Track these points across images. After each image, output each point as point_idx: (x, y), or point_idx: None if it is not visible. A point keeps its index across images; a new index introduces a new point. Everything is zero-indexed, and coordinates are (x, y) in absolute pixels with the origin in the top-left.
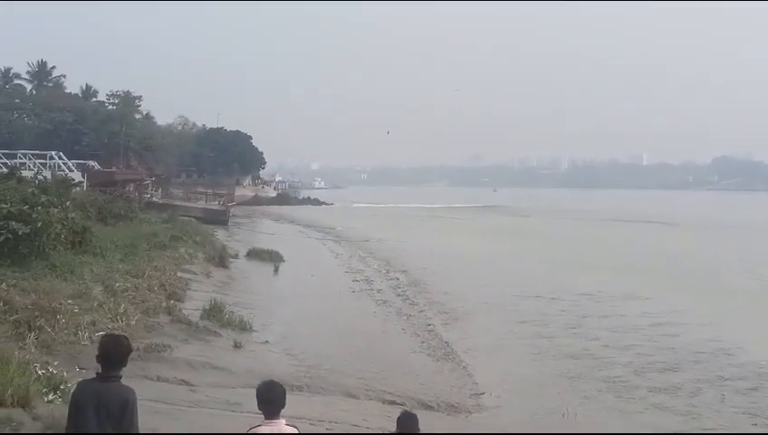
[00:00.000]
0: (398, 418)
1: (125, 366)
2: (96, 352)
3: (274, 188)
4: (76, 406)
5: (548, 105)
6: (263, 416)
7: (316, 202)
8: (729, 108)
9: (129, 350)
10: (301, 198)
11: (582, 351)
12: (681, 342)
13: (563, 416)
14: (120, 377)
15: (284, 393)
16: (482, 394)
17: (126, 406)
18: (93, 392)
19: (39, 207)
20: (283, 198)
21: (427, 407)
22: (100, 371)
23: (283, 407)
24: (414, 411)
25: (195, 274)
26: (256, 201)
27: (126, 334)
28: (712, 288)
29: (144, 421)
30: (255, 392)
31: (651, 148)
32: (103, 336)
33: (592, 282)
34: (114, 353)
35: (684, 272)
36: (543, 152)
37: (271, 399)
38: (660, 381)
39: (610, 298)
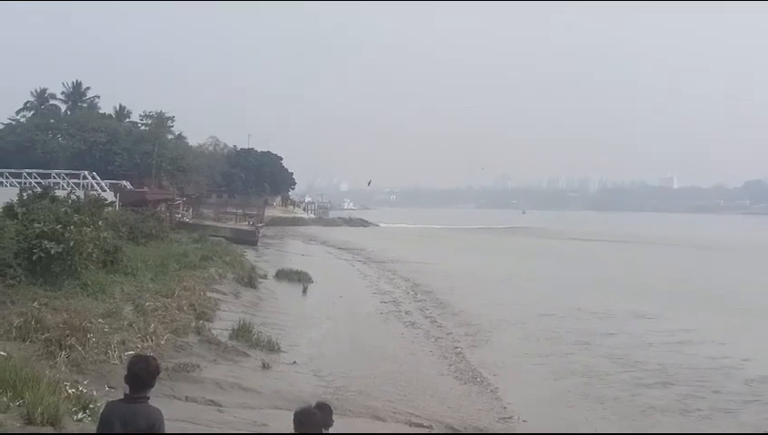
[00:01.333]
0: (295, 413)
1: (153, 387)
2: (125, 372)
3: (304, 209)
4: (104, 427)
5: (577, 126)
6: None
7: (361, 223)
8: (763, 131)
9: (157, 371)
10: (347, 217)
11: (614, 373)
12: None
13: None
14: (148, 398)
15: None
16: (509, 418)
17: (153, 427)
18: (121, 414)
19: (71, 227)
20: (327, 220)
21: (455, 431)
22: (128, 391)
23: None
24: (318, 406)
25: (224, 294)
26: (296, 222)
27: (155, 354)
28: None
29: None
30: (293, 418)
31: (682, 171)
32: (132, 357)
33: (622, 303)
34: (142, 375)
35: (708, 293)
36: (573, 174)
37: (305, 425)
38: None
39: (637, 319)
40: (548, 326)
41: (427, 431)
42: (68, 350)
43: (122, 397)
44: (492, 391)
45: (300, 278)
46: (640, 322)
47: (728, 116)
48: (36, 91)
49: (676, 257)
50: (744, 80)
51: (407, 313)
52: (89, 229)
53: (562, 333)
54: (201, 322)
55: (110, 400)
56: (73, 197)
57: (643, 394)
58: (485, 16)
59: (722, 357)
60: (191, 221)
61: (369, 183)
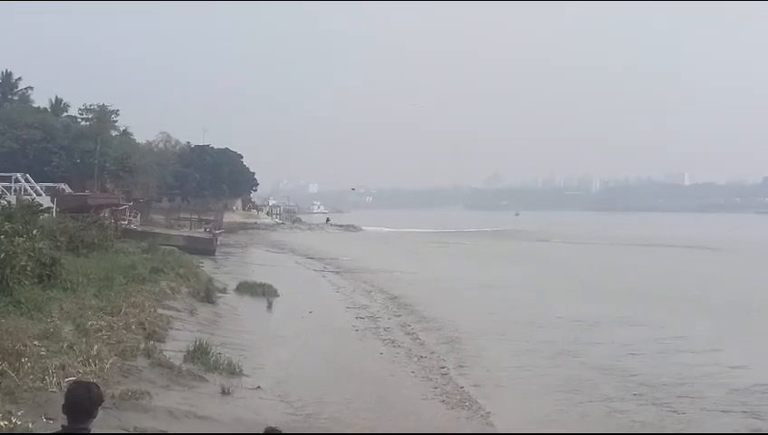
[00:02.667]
0: None
1: (95, 417)
2: (63, 401)
3: (268, 213)
4: None
5: (575, 121)
6: None
7: (352, 228)
8: None
9: (99, 399)
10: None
11: (614, 390)
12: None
13: None
14: (89, 430)
15: None
16: None
17: None
18: None
19: (2, 237)
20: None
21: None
22: (66, 422)
23: None
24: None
25: (177, 310)
26: (259, 227)
27: (99, 380)
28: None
29: None
30: None
31: (694, 167)
32: (71, 384)
33: (618, 311)
34: (82, 403)
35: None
36: (572, 172)
37: None
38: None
39: (629, 327)
40: (541, 339)
41: None
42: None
43: (60, 429)
44: (483, 416)
45: (264, 292)
46: (633, 331)
47: (745, 107)
48: None
49: (678, 259)
50: (761, 70)
51: (386, 329)
52: (22, 239)
53: (555, 346)
54: (151, 342)
55: (48, 433)
56: (3, 202)
57: (647, 413)
58: (469, 5)
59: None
60: (139, 229)
61: (353, 189)
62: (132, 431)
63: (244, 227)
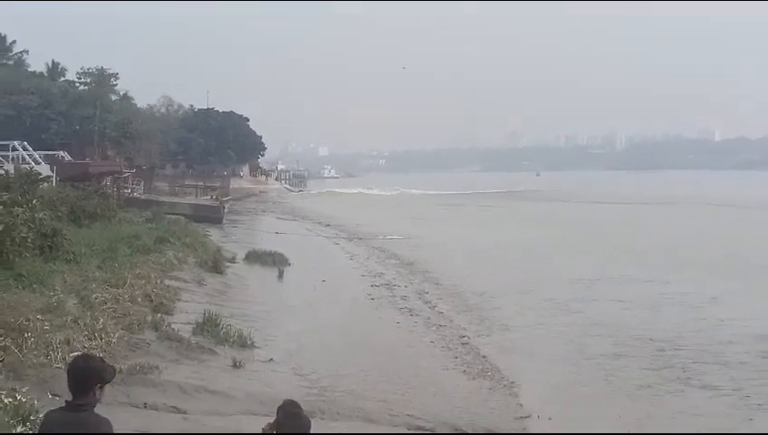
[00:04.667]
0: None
1: (96, 391)
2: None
3: (277, 178)
4: None
5: (600, 76)
6: None
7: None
8: None
9: (101, 371)
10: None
11: (641, 354)
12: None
13: None
14: (93, 405)
15: (307, 427)
16: (527, 417)
17: None
18: (61, 425)
19: (0, 207)
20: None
21: (463, 433)
22: (71, 399)
23: None
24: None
25: (185, 281)
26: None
27: (105, 354)
28: None
29: None
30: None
31: (725, 121)
32: (73, 358)
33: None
34: (81, 376)
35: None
36: (595, 129)
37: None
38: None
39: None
40: (561, 303)
41: (429, 433)
42: (2, 352)
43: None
44: (506, 385)
45: (274, 261)
46: (658, 290)
47: None
48: None
49: (704, 218)
50: None
51: (402, 297)
52: (21, 210)
53: (577, 310)
54: (159, 315)
55: (51, 409)
56: (1, 172)
57: (676, 379)
58: None
59: None
60: (143, 197)
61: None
62: (141, 407)
63: (251, 194)
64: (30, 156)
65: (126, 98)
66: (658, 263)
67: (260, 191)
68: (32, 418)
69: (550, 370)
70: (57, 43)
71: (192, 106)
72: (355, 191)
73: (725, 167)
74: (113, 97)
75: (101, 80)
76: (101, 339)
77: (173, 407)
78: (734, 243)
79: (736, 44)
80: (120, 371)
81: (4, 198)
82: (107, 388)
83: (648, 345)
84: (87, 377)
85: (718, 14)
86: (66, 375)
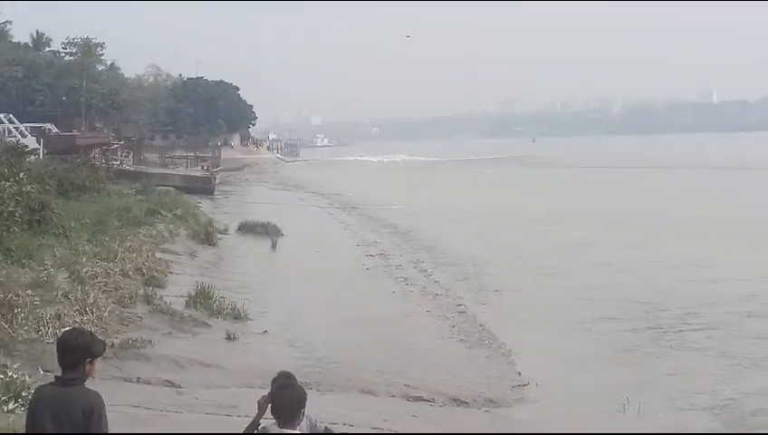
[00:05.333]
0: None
1: (90, 366)
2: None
3: (268, 148)
4: (33, 416)
5: (594, 38)
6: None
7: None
8: None
9: (90, 346)
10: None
11: (636, 319)
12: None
13: (623, 409)
14: (84, 379)
15: (302, 398)
16: (525, 385)
17: (91, 414)
18: (51, 399)
19: None
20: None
21: (461, 403)
22: (61, 374)
23: (300, 415)
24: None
25: (177, 254)
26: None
27: (97, 329)
28: None
29: (122, 431)
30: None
31: (723, 82)
32: (62, 332)
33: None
34: (70, 351)
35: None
36: (591, 93)
37: (284, 402)
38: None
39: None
40: (555, 268)
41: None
42: None
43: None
44: (503, 354)
45: (267, 231)
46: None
47: None
48: None
49: (696, 183)
50: None
51: (397, 266)
52: (8, 184)
53: (569, 275)
54: (151, 288)
55: (41, 384)
56: None
57: (669, 343)
58: None
59: None
60: (132, 169)
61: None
62: (135, 381)
63: (243, 164)
64: (16, 129)
65: (113, 68)
66: (644, 227)
67: (252, 162)
68: (23, 394)
69: (546, 336)
70: (42, 12)
71: (181, 75)
72: (351, 159)
73: (724, 129)
74: (100, 67)
75: (87, 50)
76: (93, 313)
77: (167, 381)
78: (707, 205)
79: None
80: (113, 345)
81: None
82: (100, 362)
83: (636, 308)
84: (76, 352)
85: None
86: (57, 349)
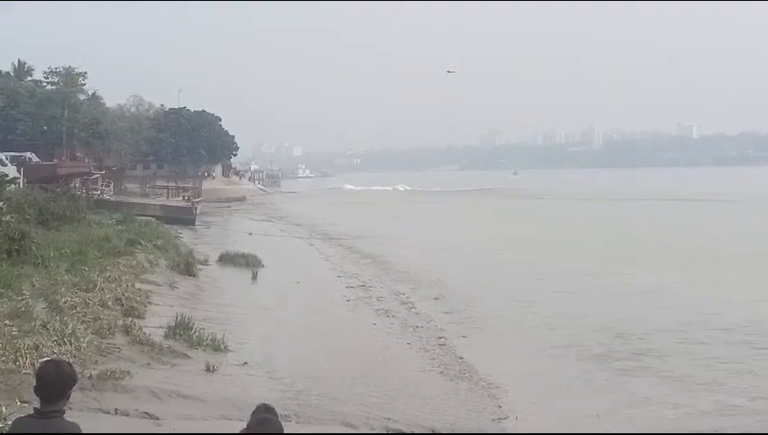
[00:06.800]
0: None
1: (68, 398)
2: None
3: (250, 179)
4: None
5: (577, 72)
6: None
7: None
8: None
9: (71, 378)
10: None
11: (620, 351)
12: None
13: None
14: (64, 411)
15: (280, 431)
16: (505, 419)
17: None
18: (32, 432)
19: None
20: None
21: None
22: (39, 405)
23: None
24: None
25: (156, 284)
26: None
27: (75, 360)
28: None
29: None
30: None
31: (703, 117)
32: (41, 363)
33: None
34: (52, 383)
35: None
36: (573, 126)
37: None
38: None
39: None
40: (535, 299)
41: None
42: None
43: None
44: (483, 387)
45: (248, 262)
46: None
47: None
48: None
49: (675, 213)
50: None
51: (378, 298)
52: None
53: (553, 310)
54: (130, 319)
55: (19, 417)
56: None
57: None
58: None
59: None
60: (113, 198)
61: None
62: (112, 413)
63: (225, 195)
64: None
65: (95, 97)
66: (620, 256)
67: (233, 193)
68: (0, 425)
69: (526, 368)
70: (24, 41)
71: (163, 106)
72: (331, 189)
73: (704, 163)
74: (81, 97)
75: (70, 79)
76: (71, 344)
77: (145, 412)
78: (681, 235)
79: (713, 42)
80: (90, 376)
81: None
82: (76, 394)
83: (612, 336)
84: (58, 384)
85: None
86: (35, 381)
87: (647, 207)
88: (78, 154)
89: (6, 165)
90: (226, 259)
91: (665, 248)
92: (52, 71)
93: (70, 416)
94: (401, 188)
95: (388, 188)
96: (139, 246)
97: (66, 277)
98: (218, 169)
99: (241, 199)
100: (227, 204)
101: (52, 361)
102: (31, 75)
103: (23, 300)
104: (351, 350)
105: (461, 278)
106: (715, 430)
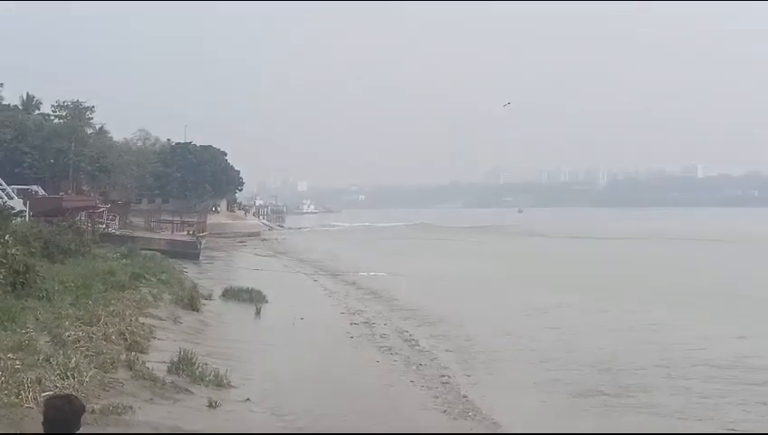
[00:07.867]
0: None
1: (78, 429)
2: (42, 417)
3: (255, 214)
4: None
5: (581, 110)
6: None
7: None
8: None
9: (82, 407)
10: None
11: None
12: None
13: None
14: None
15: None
16: None
17: None
18: None
19: None
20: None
21: None
22: None
23: None
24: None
25: (160, 319)
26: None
27: (78, 394)
28: None
29: None
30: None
31: (708, 157)
32: (49, 398)
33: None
34: (63, 417)
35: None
36: (577, 165)
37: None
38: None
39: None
40: (549, 339)
41: None
42: None
43: None
44: (487, 426)
45: (252, 298)
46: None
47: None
48: None
49: (681, 252)
50: None
51: (382, 335)
52: None
53: (552, 342)
54: (133, 354)
55: None
56: None
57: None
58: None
59: None
60: (118, 232)
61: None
62: None
63: (229, 230)
64: (3, 190)
65: (102, 131)
66: (613, 291)
67: (238, 228)
68: None
69: (530, 407)
70: (33, 75)
71: (169, 140)
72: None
73: (709, 204)
74: (89, 130)
75: (77, 113)
76: (74, 378)
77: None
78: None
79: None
80: (93, 411)
81: None
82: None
83: (607, 374)
84: (70, 418)
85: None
86: (45, 416)
87: (647, 245)
88: (84, 187)
89: (13, 198)
90: (230, 294)
91: (666, 286)
92: (60, 104)
93: None
94: (404, 225)
95: (394, 224)
96: (144, 281)
97: (70, 311)
98: (223, 204)
99: (246, 235)
100: (231, 238)
101: (61, 395)
102: (39, 109)
103: (26, 333)
104: (354, 387)
105: (465, 315)
106: (718, 430)
